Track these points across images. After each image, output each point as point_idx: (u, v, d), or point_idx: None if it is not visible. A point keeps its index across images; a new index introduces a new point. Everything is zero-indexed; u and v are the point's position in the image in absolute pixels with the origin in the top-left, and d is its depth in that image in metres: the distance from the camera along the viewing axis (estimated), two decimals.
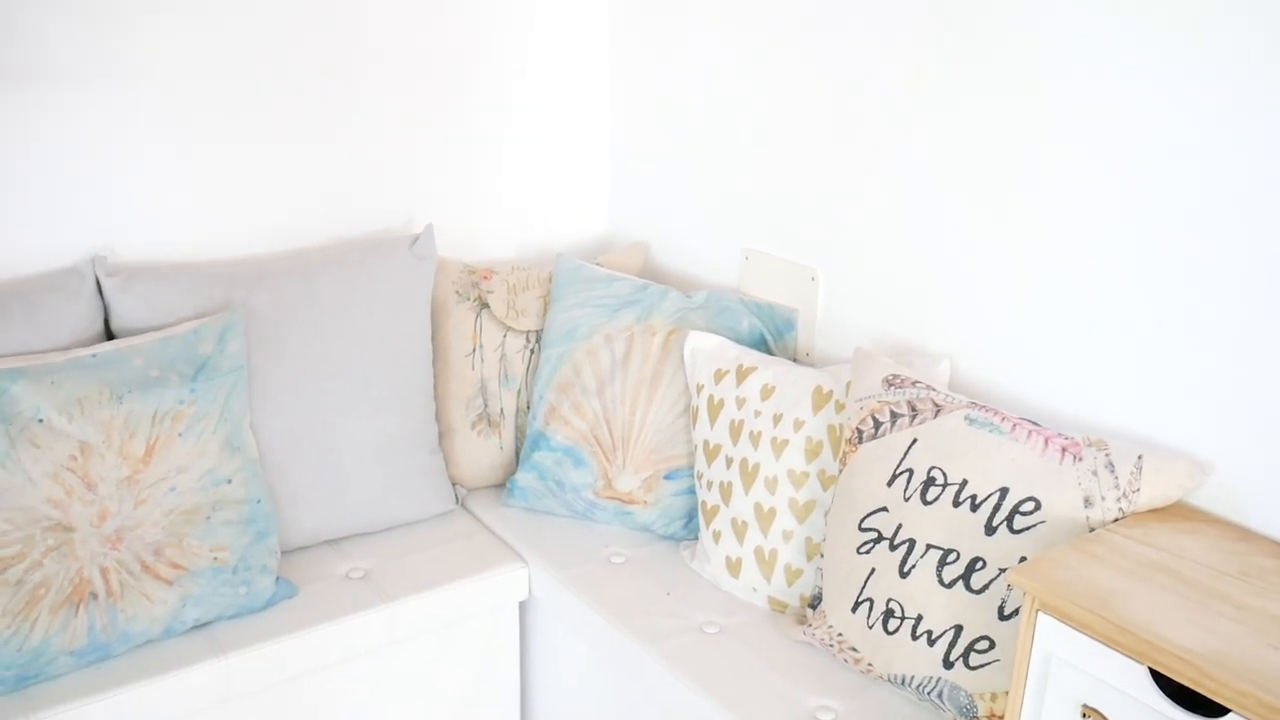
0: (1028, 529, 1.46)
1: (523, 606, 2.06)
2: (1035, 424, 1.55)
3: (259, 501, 1.79)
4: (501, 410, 2.16)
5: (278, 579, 1.81)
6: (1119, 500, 1.44)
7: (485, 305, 2.18)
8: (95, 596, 1.62)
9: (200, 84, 1.98)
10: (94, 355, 1.70)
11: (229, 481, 1.76)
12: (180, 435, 1.70)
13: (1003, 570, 1.47)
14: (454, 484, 2.18)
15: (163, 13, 1.91)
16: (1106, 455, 1.47)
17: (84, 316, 1.81)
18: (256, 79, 2.03)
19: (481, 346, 2.17)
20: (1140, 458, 1.46)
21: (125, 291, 1.84)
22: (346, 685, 1.87)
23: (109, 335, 1.85)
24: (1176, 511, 1.48)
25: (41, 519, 1.59)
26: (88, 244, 1.93)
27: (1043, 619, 1.30)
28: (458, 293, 2.19)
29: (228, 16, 1.97)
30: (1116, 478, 1.45)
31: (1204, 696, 1.14)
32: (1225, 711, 1.13)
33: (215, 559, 1.73)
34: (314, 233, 2.16)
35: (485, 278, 2.21)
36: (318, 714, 1.86)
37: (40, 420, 1.60)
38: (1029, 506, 1.47)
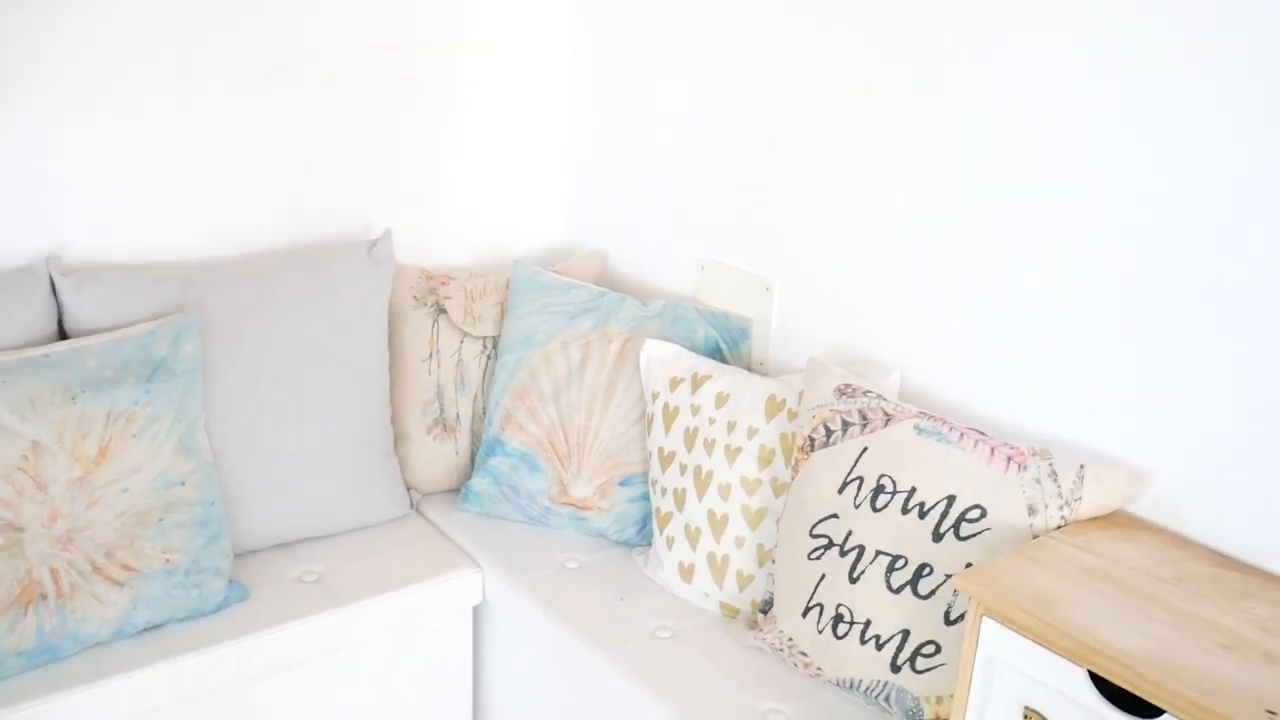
0: (974, 536, 1.50)
1: (477, 611, 2.07)
2: (982, 433, 1.59)
3: (212, 504, 1.79)
4: (457, 415, 2.17)
5: (230, 582, 1.81)
6: (1061, 508, 1.48)
7: (443, 311, 2.19)
8: (45, 597, 1.61)
9: (155, 84, 1.97)
10: (47, 355, 1.69)
11: (182, 484, 1.75)
12: (134, 436, 1.69)
13: (949, 576, 1.50)
14: (409, 488, 2.18)
15: (115, 13, 1.90)
16: (1050, 464, 1.51)
17: (37, 316, 1.80)
18: (213, 80, 2.03)
19: (438, 352, 2.17)
20: (1082, 467, 1.50)
21: (79, 291, 1.83)
22: (299, 689, 1.87)
23: (62, 335, 1.84)
24: (1116, 519, 1.53)
25: None
26: (41, 243, 1.92)
27: (987, 623, 1.33)
28: (415, 298, 2.19)
29: (181, 17, 1.97)
30: (1059, 486, 1.49)
31: (1140, 698, 1.18)
32: (1160, 712, 1.17)
33: (167, 561, 1.72)
34: (272, 236, 2.16)
35: (443, 283, 2.22)
36: (269, 718, 1.85)
37: None
38: (975, 514, 1.50)
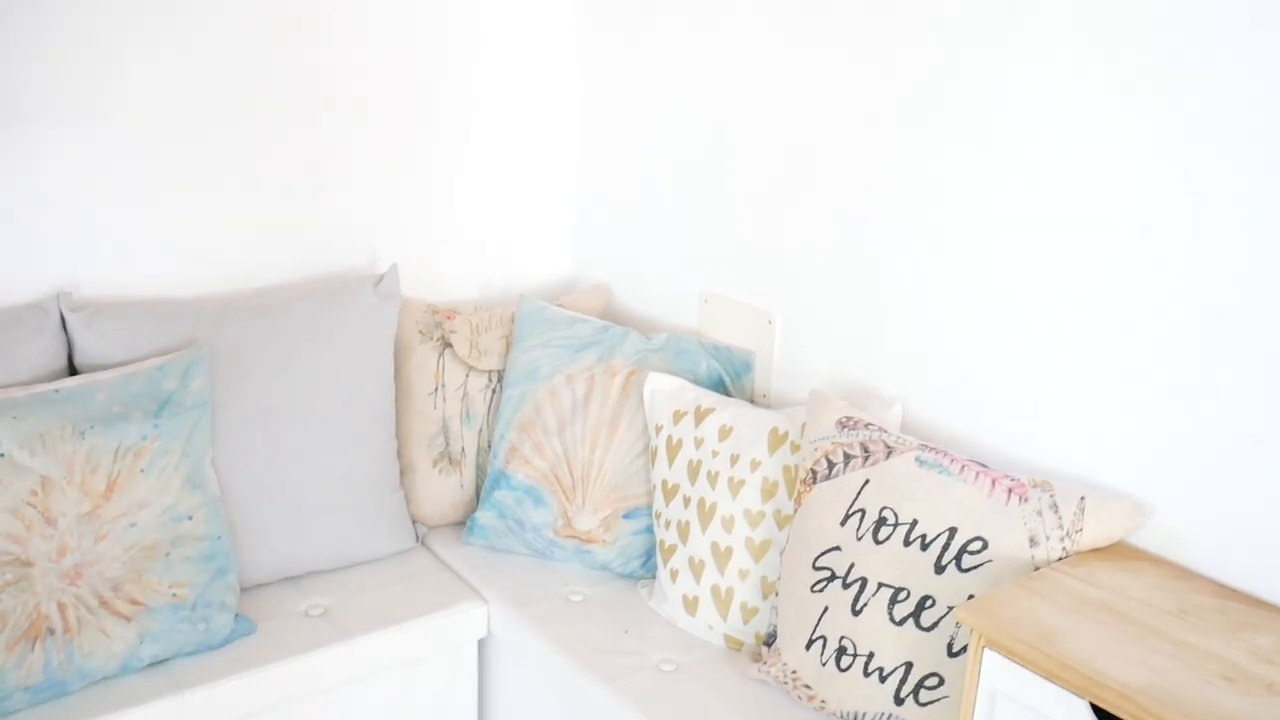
0: (975, 568, 1.50)
1: (482, 644, 2.07)
2: (983, 465, 1.59)
3: (219, 538, 1.80)
4: (463, 449, 2.19)
5: (237, 616, 1.81)
6: (1063, 540, 1.49)
7: (448, 345, 2.21)
8: (52, 632, 1.62)
9: (166, 123, 2.00)
10: (57, 390, 1.71)
11: (190, 518, 1.76)
12: (142, 471, 1.71)
13: (951, 608, 1.50)
14: (414, 522, 2.19)
15: (130, 52, 1.94)
16: (1051, 496, 1.52)
17: (47, 351, 1.82)
18: (221, 116, 2.06)
19: (444, 385, 2.19)
20: (1083, 499, 1.51)
21: (89, 327, 1.85)
22: None
23: (72, 370, 1.86)
24: (1118, 551, 1.53)
25: (0, 553, 1.59)
26: (52, 279, 1.94)
27: (989, 655, 1.33)
28: (421, 332, 2.21)
29: (191, 52, 2.00)
30: (1060, 518, 1.50)
31: None
32: None
33: (174, 595, 1.73)
34: (279, 271, 2.18)
35: (448, 318, 2.24)
36: None
37: (1, 454, 1.60)
38: (976, 546, 1.51)
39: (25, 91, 1.86)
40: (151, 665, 1.74)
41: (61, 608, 1.63)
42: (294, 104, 2.14)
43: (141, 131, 1.98)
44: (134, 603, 1.69)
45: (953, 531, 1.53)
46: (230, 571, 1.81)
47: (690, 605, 1.88)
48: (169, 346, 1.87)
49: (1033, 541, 1.49)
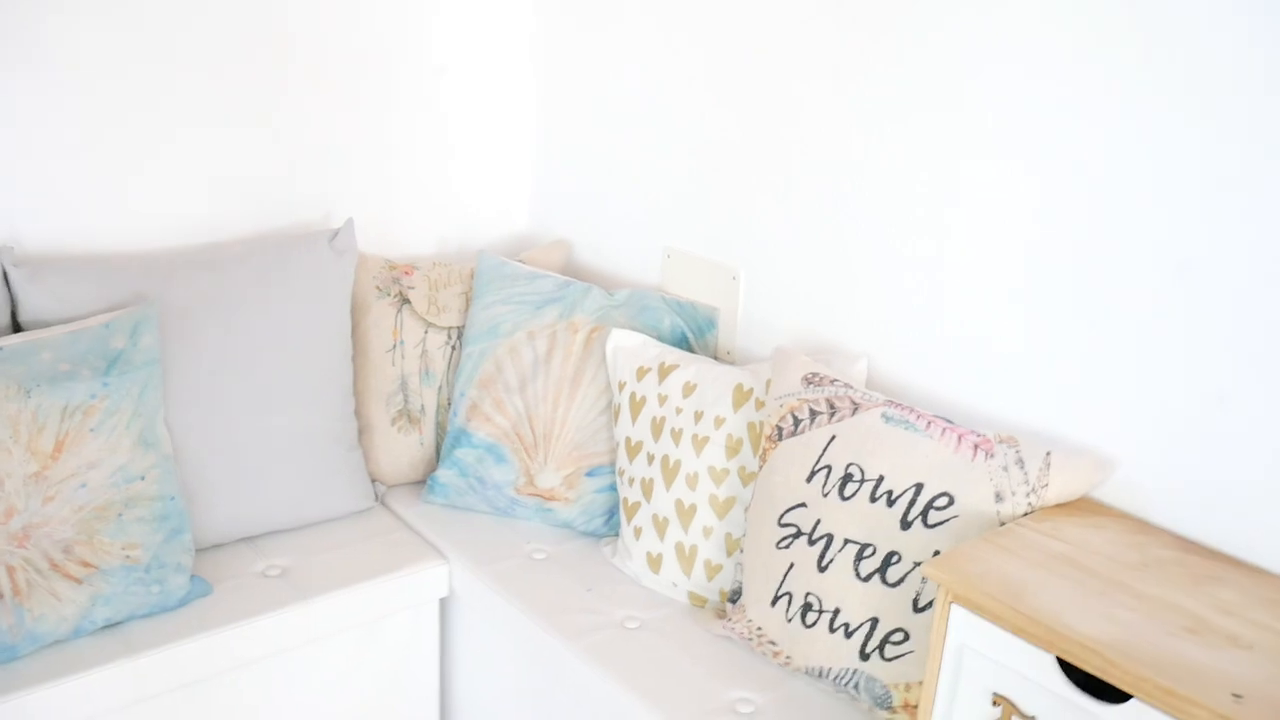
0: (942, 523, 1.50)
1: (443, 604, 2.05)
2: (949, 421, 1.59)
3: (173, 499, 1.76)
4: (422, 406, 2.15)
5: (192, 577, 1.78)
6: (1028, 495, 1.49)
7: (406, 301, 2.16)
8: (1, 596, 1.58)
9: (112, 72, 1.93)
10: (0, 348, 1.65)
11: (142, 478, 1.72)
12: (91, 431, 1.66)
13: (918, 564, 1.50)
14: (373, 481, 2.16)
15: None
16: (1016, 452, 1.52)
17: None
18: (171, 64, 1.99)
19: (402, 343, 2.15)
20: (1048, 454, 1.51)
21: (33, 283, 1.79)
22: (264, 684, 1.84)
23: (16, 328, 1.80)
24: (1082, 506, 1.54)
25: None
26: None
27: (956, 610, 1.33)
28: (378, 288, 2.17)
29: (144, 3, 1.93)
30: (1026, 473, 1.50)
31: (1108, 683, 1.19)
32: (1128, 697, 1.18)
33: (127, 557, 1.69)
34: (231, 225, 2.12)
35: (406, 273, 2.19)
36: (233, 714, 1.83)
37: None
38: (943, 501, 1.51)
39: None
40: (105, 628, 1.70)
41: (10, 570, 1.59)
42: (249, 56, 2.07)
43: (84, 80, 1.91)
44: (85, 565, 1.65)
45: (919, 487, 1.53)
46: (184, 532, 1.77)
47: (654, 563, 1.87)
48: (117, 303, 1.81)
49: (999, 497, 1.49)
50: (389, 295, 2.16)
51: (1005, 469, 1.50)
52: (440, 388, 2.16)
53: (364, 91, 2.25)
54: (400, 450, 2.16)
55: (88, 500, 1.66)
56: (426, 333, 2.16)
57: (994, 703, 1.32)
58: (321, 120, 2.20)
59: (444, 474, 2.09)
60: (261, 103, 2.11)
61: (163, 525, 1.73)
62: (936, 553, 1.49)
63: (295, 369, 1.97)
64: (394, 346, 2.15)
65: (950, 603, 1.34)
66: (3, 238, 1.88)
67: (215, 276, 1.91)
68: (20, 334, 1.71)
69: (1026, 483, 1.49)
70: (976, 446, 1.53)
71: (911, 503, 1.53)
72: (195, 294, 1.88)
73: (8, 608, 1.58)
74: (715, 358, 2.13)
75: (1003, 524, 1.48)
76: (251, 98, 2.10)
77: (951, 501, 1.51)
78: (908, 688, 1.51)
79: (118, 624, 1.71)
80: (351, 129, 2.25)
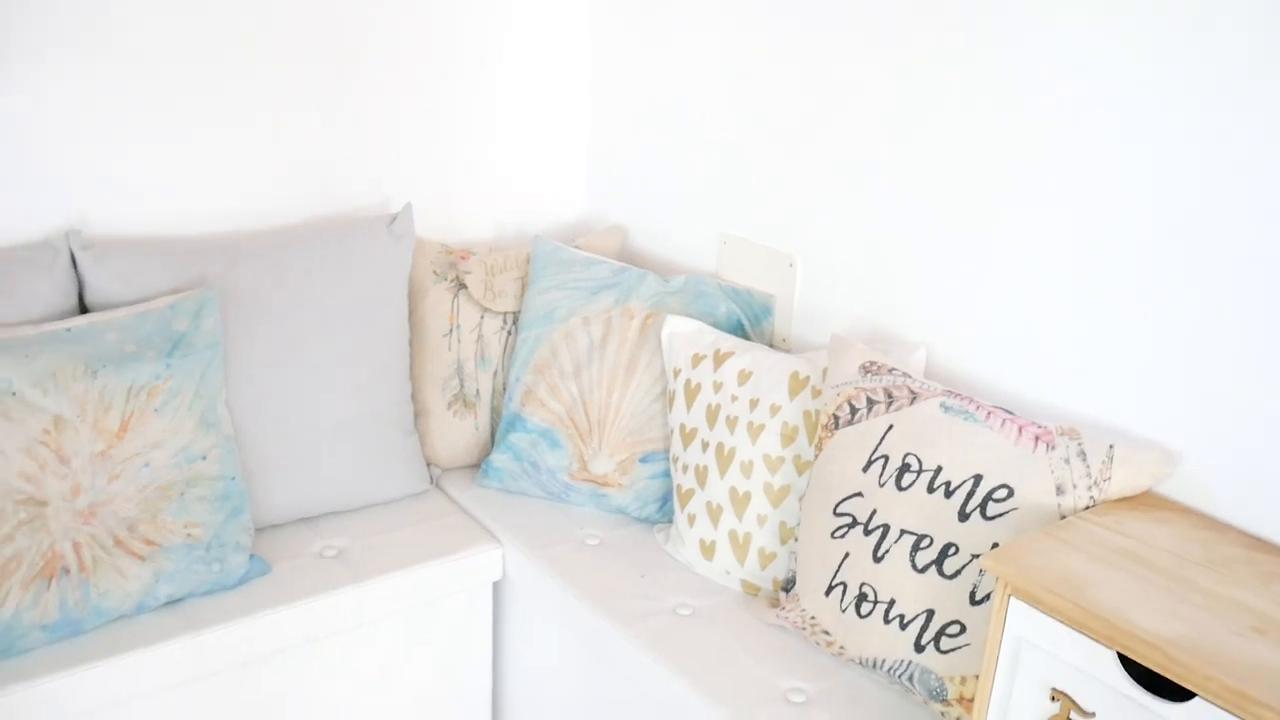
0: (1000, 515, 1.48)
1: (496, 587, 2.06)
2: (1009, 412, 1.57)
3: (233, 479, 1.78)
4: (477, 391, 2.16)
5: (251, 556, 1.81)
6: (1090, 488, 1.46)
7: (463, 286, 2.18)
8: (67, 571, 1.61)
9: (177, 57, 1.96)
10: (68, 329, 1.69)
11: (204, 458, 1.75)
12: (155, 411, 1.69)
13: (975, 556, 1.49)
14: (429, 464, 2.17)
15: None
16: (1079, 444, 1.49)
17: (58, 290, 1.79)
18: (236, 55, 2.01)
19: (458, 327, 2.16)
20: (1111, 447, 1.48)
21: (100, 266, 1.82)
22: (318, 664, 1.87)
23: (83, 309, 1.84)
24: (1146, 500, 1.51)
25: (14, 492, 1.57)
26: (62, 217, 1.91)
27: (1014, 604, 1.32)
28: (435, 273, 2.18)
29: None
30: (1088, 466, 1.47)
31: (1170, 681, 1.17)
32: (1191, 696, 1.16)
33: (189, 535, 1.72)
34: (291, 210, 2.15)
35: (463, 258, 2.20)
36: (288, 692, 1.86)
37: (13, 394, 1.58)
38: (1002, 493, 1.49)
39: (32, 26, 1.82)
40: (167, 605, 1.73)
41: (76, 547, 1.62)
42: (313, 44, 2.09)
43: (151, 67, 1.94)
44: (149, 542, 1.68)
45: (978, 479, 1.51)
46: (244, 512, 1.80)
47: (707, 550, 1.87)
48: (181, 285, 1.84)
49: (1060, 490, 1.46)
50: (446, 280, 2.18)
51: (1067, 461, 1.47)
52: (495, 372, 2.17)
53: (423, 78, 2.26)
54: (455, 434, 2.17)
55: (151, 479, 1.69)
56: (482, 317, 2.17)
57: (1052, 698, 1.30)
58: (381, 106, 2.22)
59: (498, 458, 2.10)
60: (323, 89, 2.13)
61: (223, 505, 1.76)
62: (995, 545, 1.47)
63: (353, 352, 1.99)
64: (450, 331, 2.16)
65: (1009, 596, 1.32)
66: (71, 221, 1.91)
67: (276, 260, 1.94)
68: (87, 315, 1.74)
69: (1089, 476, 1.47)
70: (1037, 438, 1.51)
71: (970, 494, 1.51)
72: (257, 278, 1.90)
73: (75, 583, 1.62)
74: (771, 345, 2.11)
75: (1063, 517, 1.45)
76: (314, 84, 2.12)
77: (1011, 493, 1.48)
78: (963, 681, 1.50)
79: (179, 600, 1.74)
80: (410, 115, 2.26)
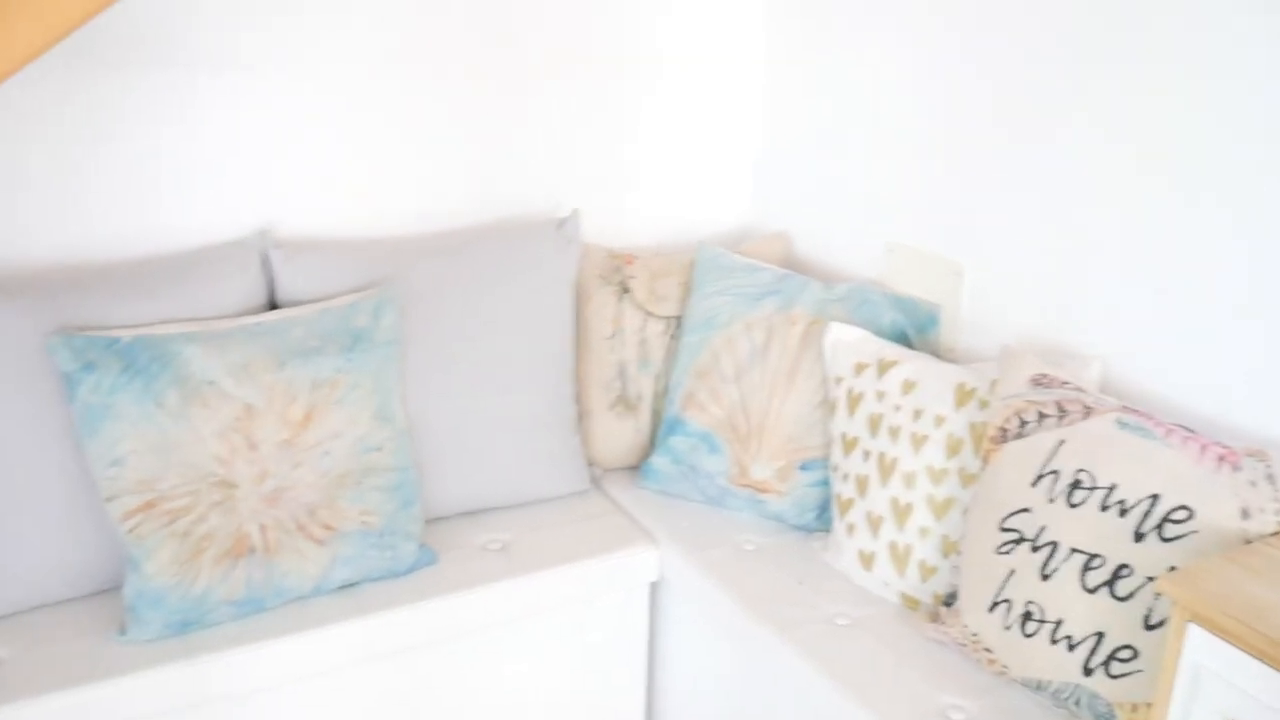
0: (1179, 538, 1.42)
1: (653, 587, 2.09)
2: (1190, 430, 1.50)
3: (406, 470, 1.86)
4: (639, 393, 2.19)
5: (420, 546, 1.87)
6: (1279, 513, 1.39)
7: (627, 290, 2.21)
8: (253, 551, 1.71)
9: (360, 69, 2.06)
10: (259, 323, 1.79)
11: (379, 449, 1.82)
12: (336, 403, 1.78)
13: (1150, 578, 1.43)
14: (590, 464, 2.21)
15: (333, 4, 1.99)
16: (1266, 466, 1.42)
17: (250, 287, 1.90)
18: (415, 65, 2.10)
19: (622, 330, 2.20)
20: None
21: (289, 264, 1.92)
22: (478, 654, 1.93)
23: (273, 305, 1.94)
24: None
25: (208, 475, 1.68)
26: (256, 219, 2.03)
27: (1192, 630, 1.26)
28: (600, 277, 2.22)
29: (393, 9, 2.04)
30: (1277, 489, 1.40)
31: None
32: None
33: (364, 523, 1.80)
34: (466, 214, 2.22)
35: (628, 263, 2.24)
36: (448, 680, 1.92)
37: (210, 382, 1.69)
38: (1181, 515, 1.43)
39: (242, 44, 1.94)
40: (341, 588, 1.81)
41: (262, 529, 1.72)
42: (484, 53, 2.17)
43: (336, 79, 2.05)
44: (327, 527, 1.77)
45: (1155, 498, 1.45)
46: (416, 503, 1.87)
47: (866, 560, 1.85)
48: (363, 284, 1.93)
49: (1245, 513, 1.39)
50: (610, 284, 2.21)
51: (1253, 484, 1.40)
52: (657, 376, 2.19)
53: (594, 85, 2.31)
54: (616, 435, 2.21)
55: (331, 467, 1.77)
56: (646, 321, 2.20)
57: None
58: (553, 114, 2.28)
59: (658, 461, 2.12)
60: (496, 100, 2.20)
61: (397, 495, 1.83)
62: (1172, 568, 1.41)
63: (521, 352, 2.04)
64: (614, 334, 2.20)
65: (1187, 621, 1.26)
66: (264, 222, 2.03)
67: (451, 262, 2.01)
68: (276, 311, 1.85)
69: (1277, 499, 1.39)
70: (1221, 458, 1.44)
71: (1146, 514, 1.45)
72: (433, 278, 1.98)
73: (259, 562, 1.71)
74: (936, 355, 2.07)
75: (1248, 542, 1.38)
76: (487, 96, 2.19)
77: (1191, 515, 1.42)
78: (1134, 708, 1.44)
79: (352, 585, 1.82)
80: (580, 124, 2.32)
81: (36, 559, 1.70)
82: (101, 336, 1.68)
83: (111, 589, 1.74)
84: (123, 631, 1.66)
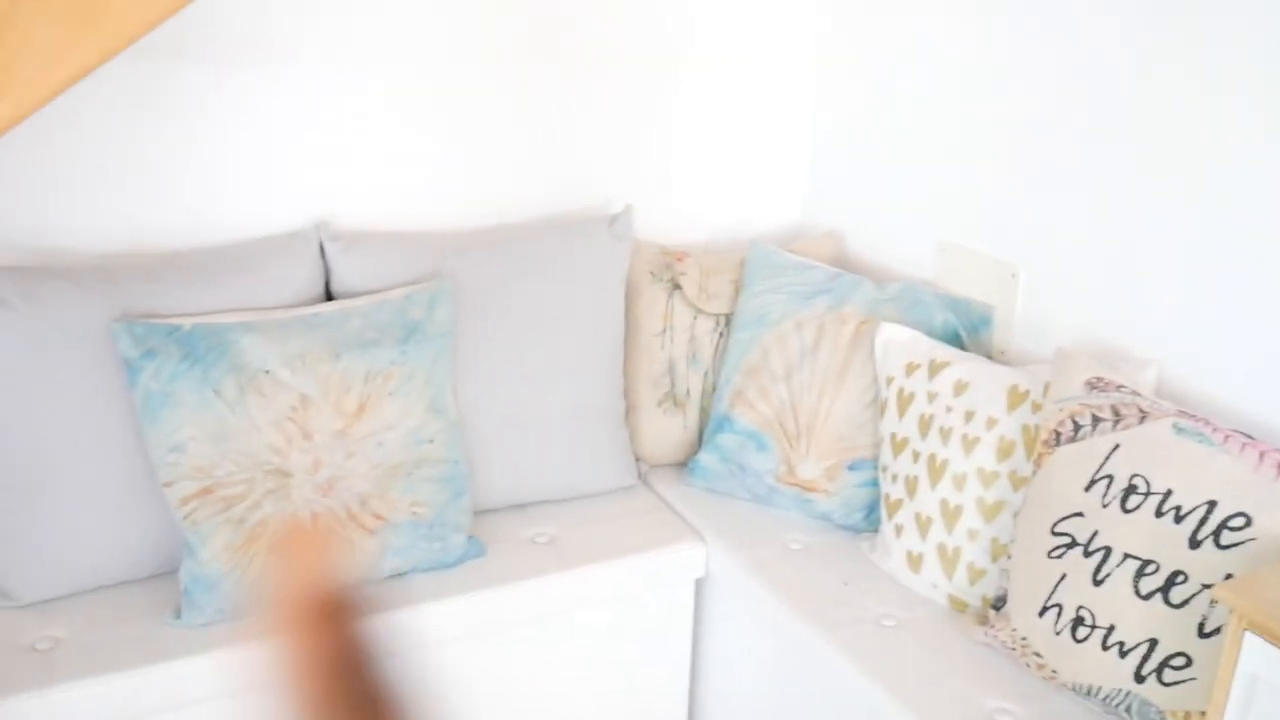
0: (1236, 545, 1.40)
1: (699, 584, 2.09)
2: (1249, 436, 1.48)
3: (457, 462, 1.87)
4: (688, 390, 2.20)
5: (469, 537, 1.89)
6: None
7: (677, 287, 2.21)
8: None
9: (417, 65, 2.08)
10: (315, 314, 1.82)
11: (431, 441, 1.84)
12: (390, 394, 1.80)
13: (1206, 586, 1.41)
14: (637, 459, 2.22)
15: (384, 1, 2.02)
16: None
17: (307, 278, 1.93)
18: (471, 63, 2.12)
19: (672, 327, 2.20)
20: None
21: (345, 256, 1.95)
22: (524, 646, 1.94)
23: (329, 296, 1.97)
24: None
25: (263, 463, 1.71)
26: (313, 211, 2.05)
27: (1249, 639, 1.24)
28: (651, 273, 2.23)
29: (446, 1, 2.06)
30: None
31: None
32: None
33: (414, 513, 1.82)
34: (520, 210, 2.24)
35: (679, 260, 2.24)
36: (493, 672, 1.92)
37: (267, 372, 1.72)
38: (1239, 522, 1.41)
39: (305, 42, 1.97)
40: (390, 578, 1.83)
41: (315, 517, 1.74)
42: (539, 50, 2.18)
43: (398, 78, 2.07)
44: (378, 517, 1.79)
45: (1211, 505, 1.43)
46: (465, 494, 1.89)
47: (914, 562, 1.84)
48: (418, 277, 1.95)
49: None
50: (661, 281, 2.22)
51: None
52: (706, 373, 2.20)
53: (648, 83, 2.31)
54: (664, 432, 2.21)
55: (384, 458, 1.79)
56: (696, 318, 2.20)
57: None
58: (606, 110, 2.28)
59: (705, 458, 2.13)
60: (551, 97, 2.22)
61: (447, 486, 1.85)
62: (1228, 576, 1.39)
63: (571, 347, 2.05)
64: (663, 330, 2.20)
65: (1244, 630, 1.25)
66: (321, 215, 2.06)
67: (504, 257, 2.03)
68: (332, 302, 1.87)
69: None
70: None
71: (1202, 521, 1.43)
72: (486, 272, 2.00)
73: None
74: (989, 357, 2.05)
75: None
76: (542, 93, 2.21)
77: (1249, 522, 1.40)
78: (1187, 716, 1.42)
79: (401, 575, 1.84)
80: (633, 121, 2.32)
81: (97, 541, 1.74)
82: (163, 324, 1.71)
83: (168, 572, 1.78)
84: (177, 615, 1.70)
